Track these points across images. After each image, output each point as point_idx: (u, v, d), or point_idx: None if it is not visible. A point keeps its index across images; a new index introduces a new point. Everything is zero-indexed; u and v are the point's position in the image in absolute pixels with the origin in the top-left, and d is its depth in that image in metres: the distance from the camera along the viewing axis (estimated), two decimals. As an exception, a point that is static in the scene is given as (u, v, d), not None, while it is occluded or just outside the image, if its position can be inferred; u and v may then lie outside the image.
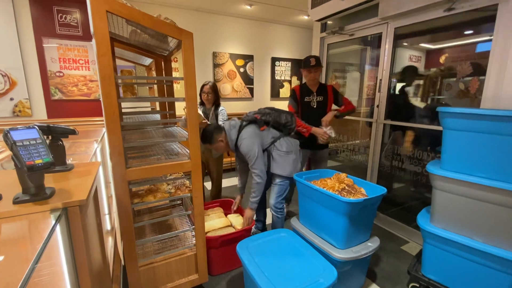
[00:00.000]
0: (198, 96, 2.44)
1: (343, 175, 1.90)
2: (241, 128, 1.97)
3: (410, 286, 1.75)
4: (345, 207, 1.51)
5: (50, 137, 1.05)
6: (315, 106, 2.42)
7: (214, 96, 2.46)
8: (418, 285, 1.70)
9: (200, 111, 2.45)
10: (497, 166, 1.36)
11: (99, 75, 1.19)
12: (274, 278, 1.32)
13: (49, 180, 0.97)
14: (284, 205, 2.14)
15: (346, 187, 1.72)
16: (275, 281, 1.29)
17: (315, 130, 2.31)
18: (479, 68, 1.92)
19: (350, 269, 1.61)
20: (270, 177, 2.10)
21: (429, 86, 2.49)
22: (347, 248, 1.61)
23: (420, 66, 2.63)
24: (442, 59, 2.33)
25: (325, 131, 2.27)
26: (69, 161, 1.19)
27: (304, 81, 2.53)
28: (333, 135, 2.29)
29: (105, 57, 1.18)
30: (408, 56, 2.70)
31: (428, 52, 2.62)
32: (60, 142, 1.04)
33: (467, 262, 1.47)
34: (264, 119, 2.05)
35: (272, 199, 2.07)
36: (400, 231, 2.47)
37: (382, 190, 1.66)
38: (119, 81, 2.02)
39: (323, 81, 3.39)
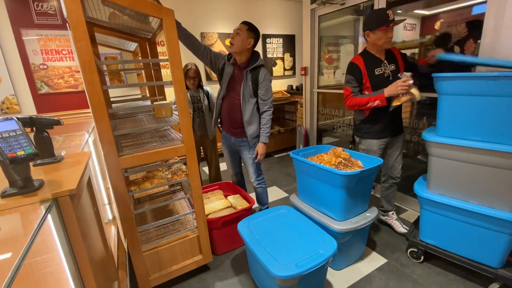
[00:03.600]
0: None
1: (339, 149, 1.90)
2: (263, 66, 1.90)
3: (409, 252, 1.80)
4: (342, 180, 1.51)
5: (34, 129, 1.02)
6: (390, 78, 1.79)
7: (199, 79, 2.43)
8: (416, 250, 1.75)
9: (188, 96, 2.40)
10: (491, 128, 1.35)
11: (79, 62, 1.14)
12: (275, 252, 1.34)
13: (38, 173, 0.95)
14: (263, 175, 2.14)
15: (343, 161, 1.72)
16: (277, 255, 1.32)
17: (388, 90, 1.69)
18: (475, 30, 1.85)
19: (350, 239, 1.65)
20: (237, 150, 2.08)
21: (424, 54, 2.43)
22: (346, 220, 1.63)
23: (416, 34, 2.55)
24: (437, 25, 2.25)
25: (404, 79, 1.64)
26: (62, 154, 1.17)
27: (364, 48, 1.89)
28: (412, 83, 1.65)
29: (83, 41, 1.12)
30: (403, 24, 2.61)
31: (423, 19, 2.52)
32: (46, 134, 1.02)
33: (463, 224, 1.50)
34: None
35: (252, 171, 2.05)
36: (399, 200, 2.51)
37: (379, 161, 1.66)
38: (104, 68, 1.95)
39: (316, 56, 3.31)
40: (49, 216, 0.80)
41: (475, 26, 1.85)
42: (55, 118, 1.05)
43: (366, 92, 1.84)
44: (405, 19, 1.77)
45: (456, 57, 1.69)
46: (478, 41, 1.78)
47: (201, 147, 2.64)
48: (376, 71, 1.80)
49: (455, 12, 2.07)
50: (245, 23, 1.79)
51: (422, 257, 1.74)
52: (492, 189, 1.38)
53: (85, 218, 1.02)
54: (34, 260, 0.83)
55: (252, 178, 2.09)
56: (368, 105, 1.76)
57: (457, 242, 1.55)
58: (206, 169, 3.34)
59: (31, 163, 1.03)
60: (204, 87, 2.50)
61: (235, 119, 1.93)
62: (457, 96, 1.43)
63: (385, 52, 1.83)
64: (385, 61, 1.81)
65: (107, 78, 2.14)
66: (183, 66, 1.38)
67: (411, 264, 1.75)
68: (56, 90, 3.18)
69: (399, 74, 1.72)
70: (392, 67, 1.82)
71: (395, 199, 2.14)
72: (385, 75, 1.80)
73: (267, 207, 2.25)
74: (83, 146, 1.43)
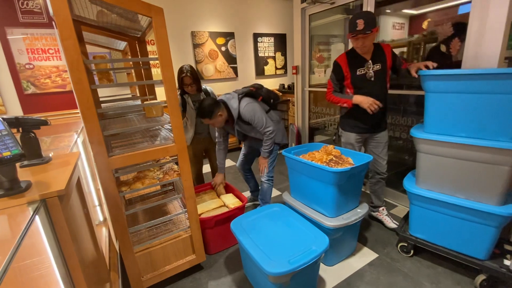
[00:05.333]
0: (178, 88, 2.22)
1: (330, 147, 1.92)
2: (239, 99, 1.98)
3: (399, 246, 1.84)
4: (333, 177, 1.53)
5: (21, 130, 1.00)
6: (372, 79, 1.83)
7: (197, 83, 2.20)
8: (406, 244, 1.79)
9: (190, 101, 2.26)
10: (477, 125, 1.39)
11: (66, 61, 1.12)
12: (268, 250, 1.35)
13: (26, 174, 0.93)
14: (274, 174, 2.25)
15: (334, 158, 1.74)
16: (270, 253, 1.33)
17: (357, 99, 1.79)
18: (460, 29, 1.90)
19: (342, 235, 1.67)
20: (258, 147, 2.18)
21: (412, 53, 2.48)
22: (338, 216, 1.65)
23: (404, 34, 2.60)
24: (424, 25, 2.30)
25: (378, 103, 1.74)
26: (50, 155, 1.14)
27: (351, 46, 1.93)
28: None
29: (70, 40, 1.10)
30: (392, 24, 2.65)
31: (411, 18, 2.57)
32: (32, 134, 0.99)
33: (451, 218, 1.54)
34: (259, 93, 2.10)
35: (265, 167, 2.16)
36: (389, 196, 2.55)
37: (368, 157, 1.68)
38: (93, 67, 1.92)
39: (307, 55, 3.32)
40: (37, 218, 0.78)
41: (460, 25, 1.90)
42: (42, 118, 1.03)
43: (348, 90, 1.93)
44: (369, 32, 1.65)
45: (437, 72, 1.61)
46: (463, 41, 1.83)
47: (204, 150, 2.52)
48: (358, 71, 1.85)
49: (441, 12, 2.12)
50: (204, 116, 1.90)
51: (412, 251, 1.78)
52: (478, 183, 1.43)
53: (74, 219, 1.01)
54: (23, 263, 0.82)
55: (262, 173, 2.21)
56: (339, 104, 1.93)
57: (445, 235, 1.59)
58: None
59: (17, 164, 1.01)
60: (204, 87, 2.33)
61: (249, 137, 2.23)
62: (443, 94, 1.47)
63: (374, 49, 1.83)
64: (370, 61, 1.82)
65: (96, 78, 2.10)
66: (173, 65, 1.37)
67: (401, 258, 1.79)
68: (43, 90, 3.11)
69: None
70: (378, 67, 1.83)
71: (384, 194, 2.18)
72: (367, 76, 1.84)
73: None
74: (72, 147, 1.41)
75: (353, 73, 1.86)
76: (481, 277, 1.50)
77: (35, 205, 0.73)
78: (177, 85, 2.19)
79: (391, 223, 2.08)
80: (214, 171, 2.62)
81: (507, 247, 1.58)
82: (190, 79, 2.13)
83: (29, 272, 0.95)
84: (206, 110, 1.87)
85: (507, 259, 1.48)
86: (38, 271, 0.99)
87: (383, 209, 2.15)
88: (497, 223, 1.39)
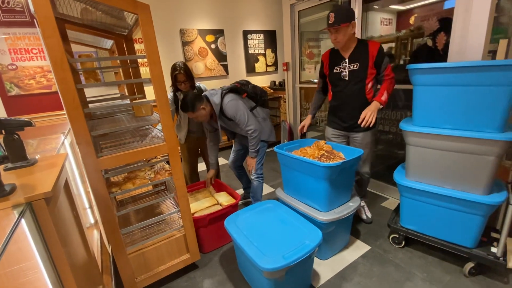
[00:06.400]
0: (171, 86, 2.20)
1: (322, 142, 1.93)
2: (222, 95, 1.96)
3: (391, 238, 1.87)
4: (324, 171, 1.55)
5: (4, 132, 0.96)
6: (346, 78, 1.82)
7: (190, 80, 2.17)
8: (397, 236, 1.82)
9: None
10: (463, 116, 1.42)
11: (49, 60, 1.09)
12: (262, 246, 1.36)
13: (10, 177, 0.91)
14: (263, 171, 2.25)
15: (325, 153, 1.75)
16: (264, 249, 1.34)
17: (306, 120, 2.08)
18: (446, 24, 1.94)
19: (335, 229, 1.69)
20: (247, 144, 2.17)
21: (400, 48, 2.51)
22: (330, 210, 1.67)
23: (392, 29, 2.63)
24: (411, 20, 2.33)
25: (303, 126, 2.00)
26: (36, 157, 1.11)
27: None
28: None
29: (52, 38, 1.06)
30: (380, 20, 2.68)
31: (399, 14, 2.60)
32: (16, 136, 0.96)
33: (439, 209, 1.58)
34: (244, 89, 2.08)
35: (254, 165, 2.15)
36: (380, 189, 2.60)
37: (359, 152, 1.70)
38: (79, 66, 1.88)
39: (297, 51, 3.32)
40: (23, 222, 0.76)
41: (446, 20, 1.94)
42: (26, 119, 1.00)
43: (330, 87, 2.00)
44: (337, 26, 1.62)
45: (424, 65, 1.52)
46: (449, 35, 1.86)
47: (199, 148, 2.50)
48: (335, 69, 1.87)
49: (428, 7, 2.15)
50: (186, 110, 1.86)
51: (403, 242, 1.82)
52: (465, 174, 1.46)
53: (63, 222, 0.99)
54: (9, 270, 0.80)
55: (252, 170, 2.20)
56: None
57: (435, 226, 1.63)
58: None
59: (1, 167, 0.98)
60: (198, 84, 2.30)
61: (239, 135, 2.24)
62: (430, 87, 1.50)
63: (356, 47, 1.77)
64: (346, 60, 1.79)
65: (82, 78, 2.06)
66: (162, 63, 1.34)
67: (393, 249, 1.82)
68: (28, 92, 3.01)
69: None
70: (355, 66, 1.76)
71: (365, 191, 2.22)
72: (341, 75, 1.83)
73: None
74: (59, 148, 1.38)
75: (330, 70, 1.90)
76: (469, 265, 1.54)
77: (20, 209, 0.71)
78: (171, 82, 2.18)
79: (363, 215, 2.14)
80: (209, 168, 2.60)
81: (494, 235, 1.63)
82: (184, 76, 2.11)
83: (17, 278, 0.93)
84: (188, 104, 1.84)
85: (494, 246, 1.53)
86: (27, 277, 0.97)
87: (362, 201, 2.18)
88: (483, 212, 1.44)
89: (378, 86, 1.84)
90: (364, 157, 1.96)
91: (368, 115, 1.69)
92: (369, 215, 2.15)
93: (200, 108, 1.88)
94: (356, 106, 1.83)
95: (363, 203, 2.17)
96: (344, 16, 1.63)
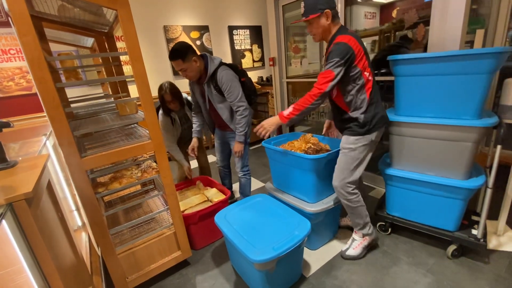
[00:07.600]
0: (161, 107, 2.14)
1: (308, 135, 1.96)
2: (220, 63, 1.84)
3: (377, 225, 1.93)
4: (311, 163, 1.57)
5: (-20, 134, 0.94)
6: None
7: (178, 98, 2.09)
8: (384, 223, 1.88)
9: (177, 119, 2.20)
10: (441, 105, 1.47)
11: (26, 59, 1.06)
12: (253, 239, 1.37)
13: (-11, 180, 0.88)
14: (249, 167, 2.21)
15: (312, 146, 1.78)
16: (254, 241, 1.35)
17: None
18: (425, 15, 1.99)
19: (323, 219, 1.73)
20: (229, 139, 2.13)
21: (383, 41, 2.56)
22: (318, 201, 1.70)
23: (376, 23, 2.67)
24: (394, 13, 2.38)
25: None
26: (17, 160, 1.08)
27: None
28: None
29: (28, 36, 1.04)
30: (364, 14, 2.71)
31: (382, 8, 2.65)
32: (-6, 138, 0.94)
33: (423, 195, 1.64)
34: (243, 74, 1.96)
35: (239, 162, 2.11)
36: (367, 179, 2.66)
37: (345, 143, 1.73)
38: (58, 65, 1.83)
39: (283, 46, 3.31)
40: (4, 224, 0.75)
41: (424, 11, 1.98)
42: (4, 121, 0.97)
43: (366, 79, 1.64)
44: (305, 18, 1.44)
45: (405, 56, 1.51)
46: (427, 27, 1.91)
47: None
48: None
49: (409, 0, 2.20)
50: (176, 57, 1.68)
51: (390, 229, 1.87)
52: (445, 160, 1.52)
53: (47, 224, 0.97)
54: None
55: (238, 168, 2.16)
56: None
57: (419, 211, 1.69)
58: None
59: (-21, 171, 0.95)
60: (185, 96, 2.25)
61: (219, 121, 2.05)
62: (411, 77, 1.54)
63: (329, 43, 1.50)
64: (324, 56, 1.62)
65: (63, 78, 2.00)
66: (145, 61, 1.33)
67: (380, 236, 1.88)
68: (6, 94, 2.91)
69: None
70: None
71: (363, 178, 2.25)
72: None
73: None
74: (41, 150, 1.34)
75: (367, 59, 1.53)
76: (452, 247, 1.61)
77: (0, 210, 0.70)
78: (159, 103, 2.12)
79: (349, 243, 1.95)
80: (201, 168, 2.60)
81: (474, 218, 1.70)
82: (170, 96, 2.03)
83: (3, 284, 0.91)
84: (178, 50, 1.66)
85: (474, 228, 1.60)
86: (13, 282, 0.95)
87: None
88: (464, 196, 1.50)
89: (353, 88, 1.49)
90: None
91: (260, 130, 1.52)
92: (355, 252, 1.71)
93: (192, 60, 1.71)
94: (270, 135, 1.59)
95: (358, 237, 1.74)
96: (312, 6, 1.40)
